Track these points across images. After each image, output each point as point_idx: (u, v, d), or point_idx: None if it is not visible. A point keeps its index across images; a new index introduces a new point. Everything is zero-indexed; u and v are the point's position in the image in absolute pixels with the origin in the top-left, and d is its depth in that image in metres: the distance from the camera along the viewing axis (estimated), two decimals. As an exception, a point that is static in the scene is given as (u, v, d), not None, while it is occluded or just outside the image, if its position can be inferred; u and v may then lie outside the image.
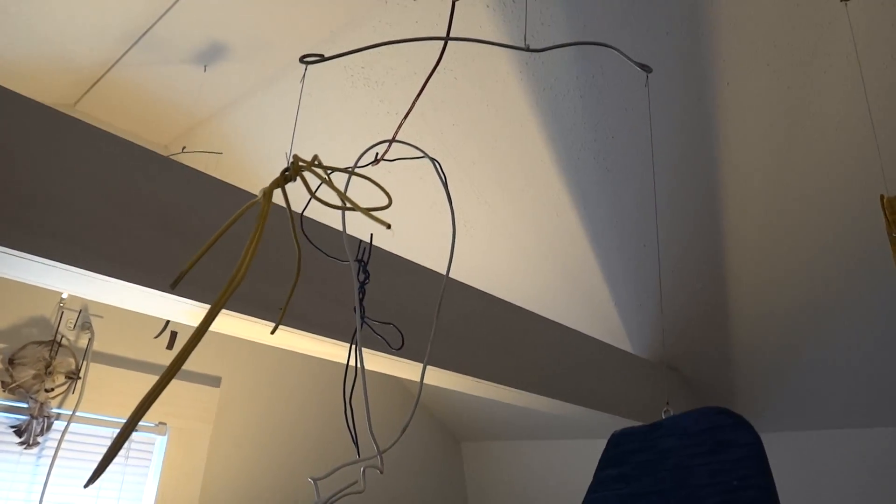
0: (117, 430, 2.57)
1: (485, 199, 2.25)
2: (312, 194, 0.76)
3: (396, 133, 0.91)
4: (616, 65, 1.72)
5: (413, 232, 2.52)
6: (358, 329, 0.79)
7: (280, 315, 0.88)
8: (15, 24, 1.98)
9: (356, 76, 2.11)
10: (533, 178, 2.12)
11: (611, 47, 0.87)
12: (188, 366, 2.74)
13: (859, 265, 1.85)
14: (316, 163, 0.79)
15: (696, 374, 2.42)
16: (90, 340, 2.46)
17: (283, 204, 0.83)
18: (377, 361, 1.21)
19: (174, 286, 0.69)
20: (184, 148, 2.34)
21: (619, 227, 2.11)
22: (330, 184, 0.77)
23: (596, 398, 1.74)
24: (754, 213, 1.87)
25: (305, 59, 0.70)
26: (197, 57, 2.22)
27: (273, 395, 2.98)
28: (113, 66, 2.33)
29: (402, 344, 1.01)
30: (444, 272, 1.41)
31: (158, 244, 0.95)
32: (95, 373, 2.45)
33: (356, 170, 0.88)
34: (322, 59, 0.69)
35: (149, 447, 2.58)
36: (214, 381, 2.77)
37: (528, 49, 0.88)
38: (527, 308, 1.71)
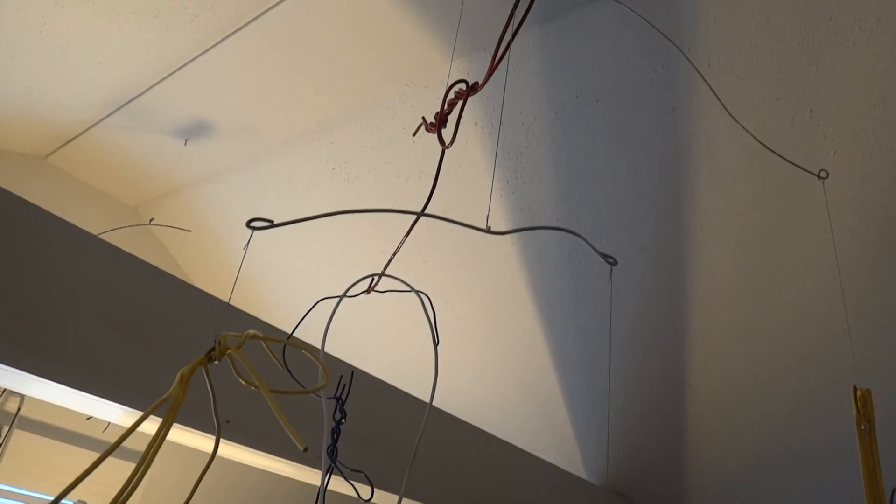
0: (33, 506, 2.38)
1: (452, 303, 2.23)
2: (240, 376, 0.72)
3: (386, 266, 0.89)
4: (586, 193, 1.76)
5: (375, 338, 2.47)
6: (323, 483, 0.73)
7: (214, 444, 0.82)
8: (-2, 77, 1.96)
9: (338, 169, 2.11)
10: (501, 291, 2.11)
11: (575, 234, 0.84)
12: (107, 436, 2.58)
13: (820, 414, 1.86)
14: (248, 336, 0.75)
15: (647, 502, 2.37)
16: (19, 406, 2.32)
17: (209, 387, 0.77)
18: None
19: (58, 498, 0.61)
20: (151, 220, 2.29)
21: (581, 350, 2.10)
22: (255, 377, 0.71)
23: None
24: (717, 358, 1.88)
25: (252, 225, 0.67)
26: (179, 130, 2.20)
27: (204, 489, 2.81)
28: (92, 126, 2.30)
29: (372, 496, 0.96)
30: (414, 388, 1.36)
31: (103, 345, 0.90)
32: (20, 441, 2.29)
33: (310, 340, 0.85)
34: (272, 225, 0.67)
35: (64, 526, 2.40)
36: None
37: (489, 231, 0.85)
38: (483, 419, 1.66)
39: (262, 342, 0.82)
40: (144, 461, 0.65)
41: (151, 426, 1.05)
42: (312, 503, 0.80)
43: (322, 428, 0.85)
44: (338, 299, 0.81)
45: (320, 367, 0.78)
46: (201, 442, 1.01)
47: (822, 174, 1.14)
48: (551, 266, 1.95)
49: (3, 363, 0.80)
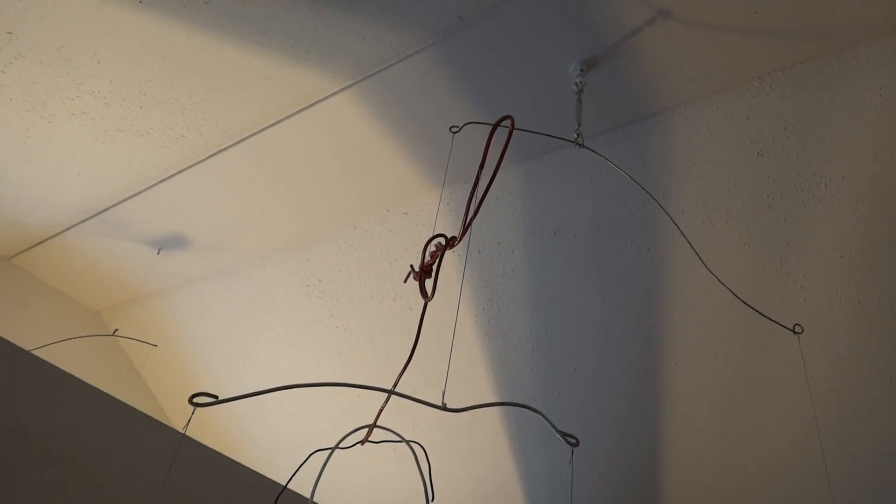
0: None
1: (421, 428, 2.17)
2: None
3: (378, 417, 0.86)
4: (561, 326, 1.76)
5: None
6: None
7: None
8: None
9: (312, 286, 2.09)
10: (475, 416, 2.06)
11: (536, 411, 0.81)
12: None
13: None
14: None
15: None
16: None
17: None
18: None
19: None
20: (115, 331, 2.22)
21: (553, 479, 2.04)
22: None
23: None
24: (699, 478, 1.84)
25: (195, 401, 0.64)
26: (153, 240, 2.18)
27: None
28: (64, 231, 2.26)
29: None
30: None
31: (55, 487, 0.84)
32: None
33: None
34: (217, 401, 0.64)
35: None
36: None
37: (444, 408, 0.83)
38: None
39: None
40: None
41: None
42: None
43: None
44: (330, 450, 0.77)
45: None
46: None
47: (798, 329, 1.16)
48: (525, 397, 1.92)
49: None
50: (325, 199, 1.87)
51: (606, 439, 1.85)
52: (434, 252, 0.88)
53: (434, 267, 0.88)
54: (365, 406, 2.17)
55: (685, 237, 1.25)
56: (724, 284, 1.18)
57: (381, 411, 0.86)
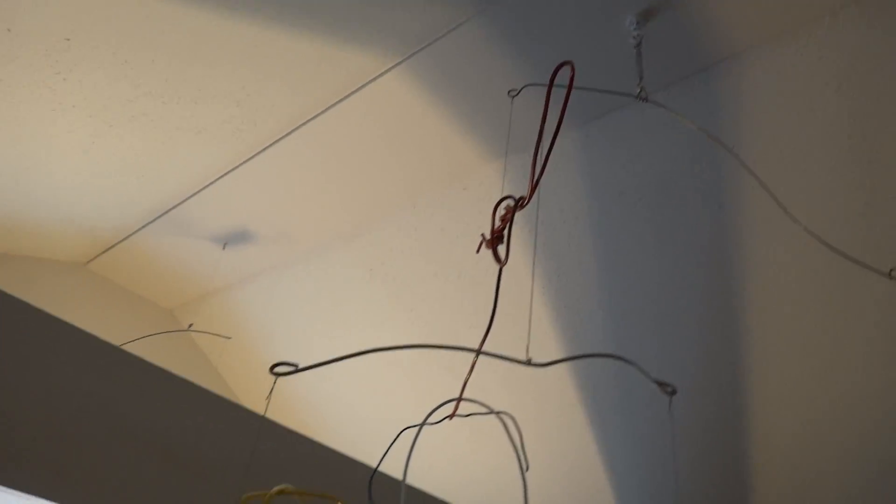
0: None
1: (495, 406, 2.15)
2: None
3: (463, 390, 0.84)
4: (632, 292, 1.71)
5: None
6: None
7: None
8: (37, 193, 2.00)
9: (375, 270, 2.10)
10: (546, 390, 2.03)
11: (627, 361, 0.76)
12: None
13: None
14: (272, 496, 0.70)
15: None
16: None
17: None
18: None
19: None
20: (191, 325, 2.28)
21: (630, 447, 1.99)
22: None
23: None
24: (783, 427, 1.77)
25: (275, 371, 0.63)
26: (218, 236, 2.22)
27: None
28: (133, 234, 2.33)
29: None
30: None
31: (136, 471, 0.85)
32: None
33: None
34: (296, 370, 0.63)
35: None
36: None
37: (529, 363, 0.80)
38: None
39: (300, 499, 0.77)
40: None
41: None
42: None
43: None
44: (419, 427, 0.76)
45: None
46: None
47: (894, 273, 1.09)
48: (601, 381, 1.88)
49: (46, 498, 0.76)
50: (382, 180, 1.86)
51: (686, 400, 1.80)
52: (504, 216, 0.85)
53: (505, 231, 0.85)
54: (440, 390, 2.17)
55: (764, 187, 1.18)
56: (809, 232, 1.12)
57: (465, 382, 0.84)
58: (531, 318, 1.66)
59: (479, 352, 0.73)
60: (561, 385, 1.97)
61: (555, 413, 2.03)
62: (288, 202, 2.03)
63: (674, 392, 0.59)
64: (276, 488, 0.70)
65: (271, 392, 0.70)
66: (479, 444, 2.26)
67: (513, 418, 0.90)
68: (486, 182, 1.77)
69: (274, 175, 1.90)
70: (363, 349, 0.69)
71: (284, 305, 2.39)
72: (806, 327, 1.57)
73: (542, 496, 2.25)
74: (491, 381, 2.10)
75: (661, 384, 0.59)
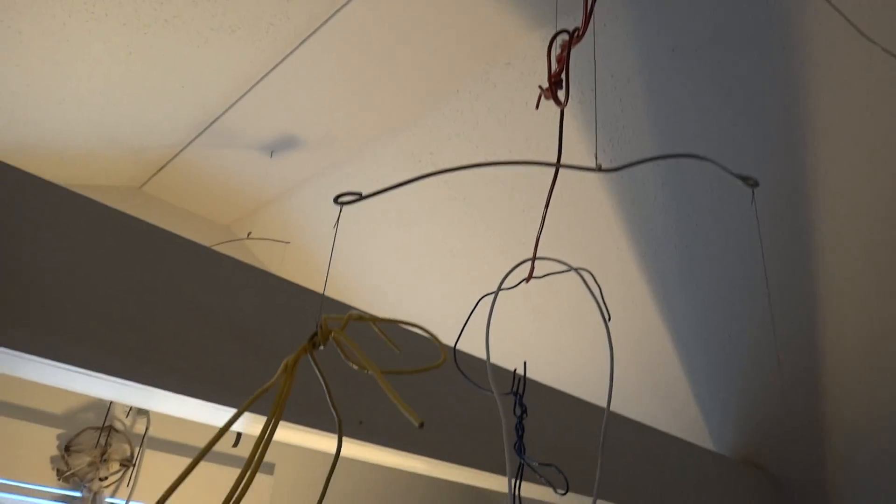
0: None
1: (555, 285, 2.16)
2: (349, 360, 0.68)
3: (535, 252, 0.84)
4: (693, 146, 1.65)
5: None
6: (514, 484, 0.68)
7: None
8: (85, 115, 2.02)
9: (423, 161, 2.08)
10: (607, 265, 2.02)
11: (707, 159, 0.72)
12: (240, 451, 2.65)
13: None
14: (351, 318, 0.71)
15: (785, 473, 2.23)
16: (147, 426, 2.41)
17: (318, 375, 0.74)
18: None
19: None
20: (249, 234, 2.32)
21: (700, 319, 1.99)
22: (362, 356, 0.67)
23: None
24: (856, 305, 1.74)
25: (340, 200, 0.62)
26: (264, 144, 2.23)
27: (332, 488, 2.85)
28: (182, 150, 2.35)
29: (567, 488, 0.91)
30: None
31: (215, 352, 0.88)
32: (150, 460, 2.38)
33: (411, 323, 0.80)
34: (360, 198, 0.62)
35: (200, 537, 2.48)
36: (268, 468, 2.67)
37: (599, 169, 0.77)
38: (600, 398, 1.60)
39: (373, 324, 0.78)
40: (254, 458, 0.60)
41: (287, 434, 1.04)
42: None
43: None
44: (495, 293, 0.76)
45: (445, 350, 0.73)
46: (347, 450, 0.99)
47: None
48: (660, 233, 1.85)
49: (130, 380, 0.80)
50: (422, 67, 1.81)
51: (749, 262, 1.76)
52: (560, 55, 0.81)
53: (563, 73, 0.81)
54: (499, 272, 2.18)
55: (833, 6, 1.10)
56: (887, 51, 1.04)
57: (538, 237, 0.83)
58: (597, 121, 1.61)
59: (557, 165, 0.71)
60: (616, 245, 1.96)
61: (617, 292, 2.02)
62: (330, 101, 2.01)
63: (756, 184, 0.56)
64: (350, 313, 0.72)
65: (337, 220, 0.71)
66: (543, 323, 2.29)
67: (591, 273, 0.90)
68: (529, 55, 1.71)
69: (312, 74, 1.87)
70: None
71: (337, 208, 2.40)
72: (883, 167, 1.50)
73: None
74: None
75: (742, 177, 0.57)
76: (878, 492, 2.09)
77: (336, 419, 0.70)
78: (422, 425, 0.54)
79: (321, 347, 0.68)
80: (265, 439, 0.58)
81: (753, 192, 0.61)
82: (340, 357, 0.97)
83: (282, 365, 0.65)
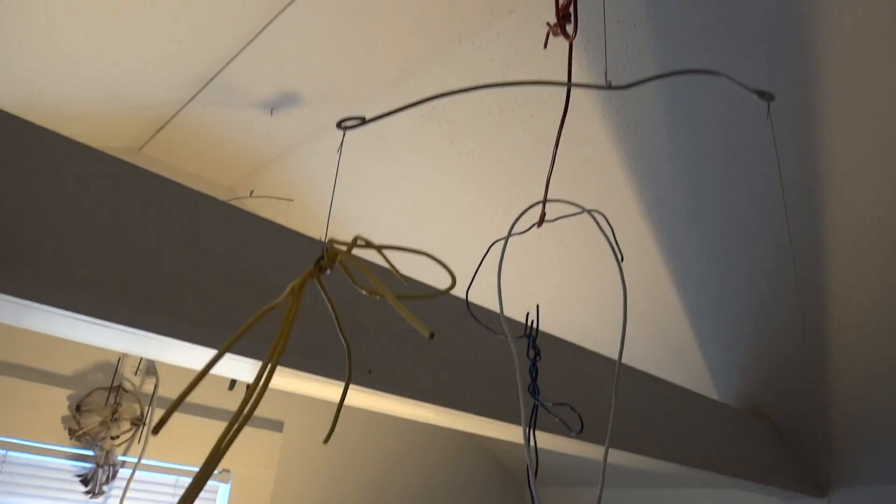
0: (182, 478, 2.50)
1: (560, 238, 2.15)
2: (356, 284, 0.67)
3: (546, 194, 0.82)
4: (708, 93, 1.62)
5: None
6: (529, 425, 0.69)
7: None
8: (82, 72, 1.99)
9: (426, 115, 2.05)
10: (611, 215, 2.01)
11: (720, 74, 0.71)
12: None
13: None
14: (356, 243, 0.70)
15: (789, 422, 2.26)
16: (155, 386, 2.43)
17: (325, 299, 0.73)
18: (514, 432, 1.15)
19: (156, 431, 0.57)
20: (252, 192, 2.31)
21: (704, 266, 1.98)
22: (369, 275, 0.66)
23: (695, 456, 1.61)
24: (864, 249, 1.73)
25: (343, 125, 0.61)
26: (264, 101, 2.19)
27: (338, 442, 2.89)
28: (181, 109, 2.32)
29: (582, 427, 0.91)
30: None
31: (224, 299, 0.88)
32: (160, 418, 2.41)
33: (416, 247, 0.80)
34: (363, 122, 0.61)
35: (212, 494, 2.52)
36: (276, 426, 2.71)
37: (609, 87, 0.76)
38: (603, 348, 1.60)
39: (378, 252, 0.77)
40: (258, 386, 0.58)
41: (295, 383, 1.04)
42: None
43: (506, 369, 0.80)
44: (505, 239, 0.76)
45: (449, 274, 0.73)
46: (356, 399, 0.99)
47: None
48: (666, 184, 1.84)
49: (141, 329, 0.79)
50: (423, 16, 1.77)
51: (762, 211, 1.75)
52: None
53: (570, 5, 0.79)
54: (506, 226, 2.16)
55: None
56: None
57: (549, 176, 0.82)
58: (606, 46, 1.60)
59: (569, 85, 0.69)
60: (621, 196, 1.94)
61: (623, 245, 2.01)
62: (329, 55, 1.97)
63: (772, 98, 0.55)
64: (356, 236, 0.71)
65: (341, 146, 0.70)
66: (548, 279, 2.29)
67: (603, 215, 0.89)
68: (532, 2, 1.67)
69: (310, 27, 1.83)
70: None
71: (340, 165, 2.38)
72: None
73: (614, 316, 2.29)
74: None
75: (759, 92, 0.55)
76: (880, 443, 2.11)
77: (345, 346, 0.69)
78: (432, 336, 0.53)
79: (328, 272, 0.67)
80: (274, 359, 0.58)
81: (769, 107, 0.59)
82: (347, 311, 0.97)
83: (287, 288, 0.64)
